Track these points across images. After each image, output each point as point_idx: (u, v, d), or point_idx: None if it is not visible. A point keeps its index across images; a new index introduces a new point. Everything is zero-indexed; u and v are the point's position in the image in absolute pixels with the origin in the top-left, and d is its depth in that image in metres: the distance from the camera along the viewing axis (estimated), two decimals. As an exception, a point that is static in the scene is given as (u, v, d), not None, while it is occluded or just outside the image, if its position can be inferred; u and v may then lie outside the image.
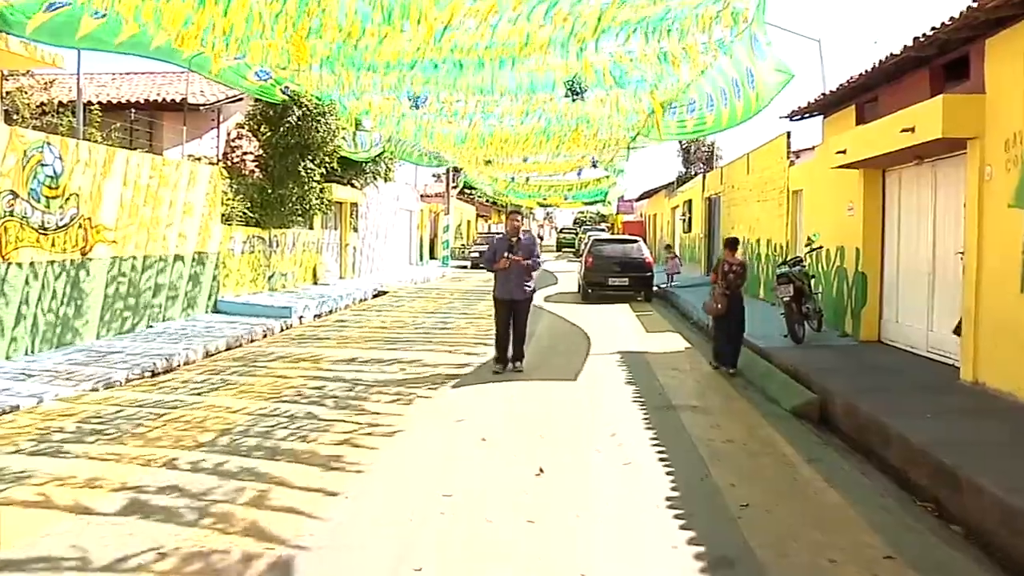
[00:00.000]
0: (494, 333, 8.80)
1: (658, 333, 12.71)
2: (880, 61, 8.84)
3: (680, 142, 35.92)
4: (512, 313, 8.67)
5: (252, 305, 13.64)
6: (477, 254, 29.75)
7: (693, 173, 35.60)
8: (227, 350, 10.43)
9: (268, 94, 14.38)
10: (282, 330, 12.54)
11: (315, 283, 18.85)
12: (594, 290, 18.44)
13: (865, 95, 10.34)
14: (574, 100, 10.68)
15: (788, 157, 14.76)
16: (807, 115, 12.34)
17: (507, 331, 8.68)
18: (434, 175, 50.25)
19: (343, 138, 16.49)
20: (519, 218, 8.79)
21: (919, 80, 8.80)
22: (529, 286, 8.70)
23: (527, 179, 33.32)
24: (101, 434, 6.06)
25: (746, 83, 9.31)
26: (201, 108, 16.23)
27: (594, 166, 26.33)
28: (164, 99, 16.43)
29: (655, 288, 19.26)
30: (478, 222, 53.75)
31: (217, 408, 7.00)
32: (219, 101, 16.57)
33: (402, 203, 29.35)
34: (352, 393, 7.68)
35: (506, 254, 8.53)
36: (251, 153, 16.83)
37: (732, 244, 9.35)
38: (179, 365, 9.12)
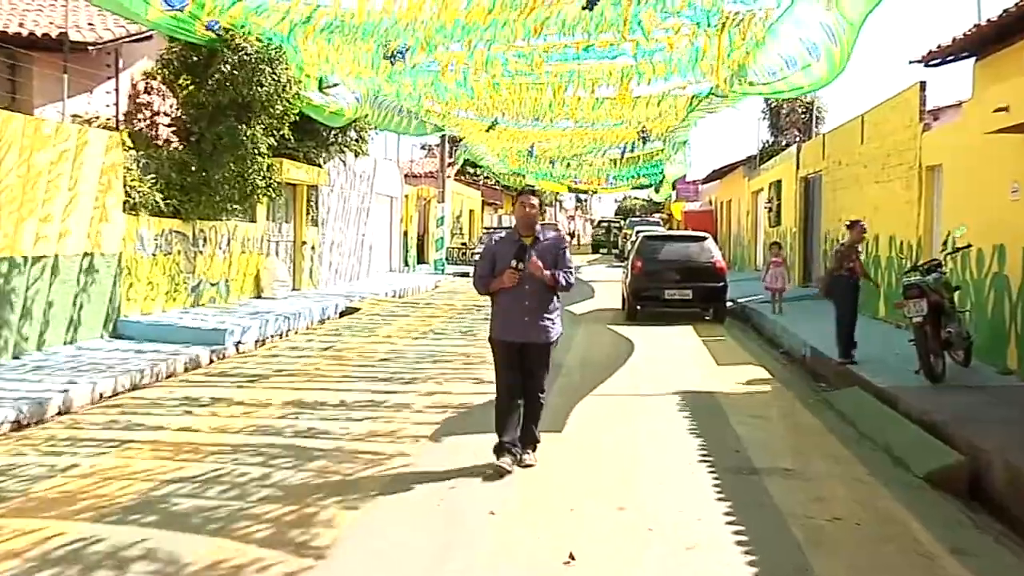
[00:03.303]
0: (495, 400, 7.25)
1: (733, 366, 12.64)
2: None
3: (767, 100, 35.75)
4: (523, 368, 7.08)
5: (169, 327, 13.60)
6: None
7: (784, 144, 35.38)
8: (131, 390, 10.35)
9: (185, 31, 14.30)
10: (211, 361, 12.54)
11: (259, 296, 18.86)
12: (644, 305, 18.43)
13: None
14: (590, 8, 10.64)
15: (922, 118, 14.62)
16: (951, 58, 12.10)
17: (514, 398, 7.05)
18: (423, 147, 50.38)
19: (297, 95, 16.41)
20: (534, 202, 7.11)
21: None
22: (552, 321, 7.09)
23: (552, 161, 33.27)
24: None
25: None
26: (90, 48, 16.00)
27: (644, 140, 26.27)
28: (32, 33, 15.80)
29: (729, 303, 19.05)
30: (484, 212, 53.85)
31: (109, 472, 6.93)
32: (117, 39, 16.21)
33: (380, 186, 29.39)
34: (306, 449, 7.64)
35: (513, 263, 6.87)
36: (166, 114, 16.80)
37: (852, 226, 11.94)
38: (56, 415, 9.01)
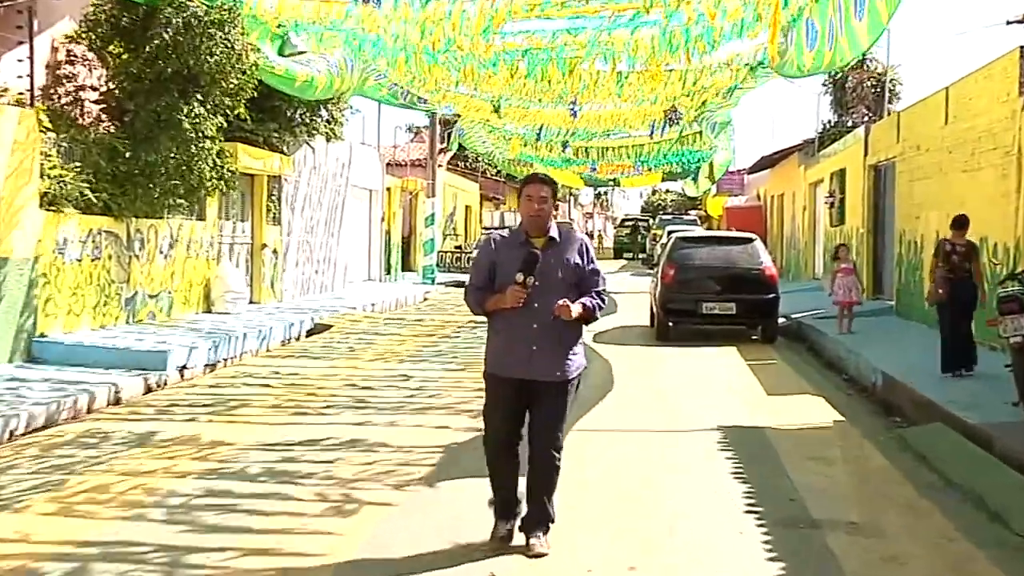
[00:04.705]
0: (485, 452, 6.65)
1: (786, 397, 12.65)
2: None
3: (830, 72, 35.61)
4: (529, 415, 6.47)
5: (97, 348, 13.56)
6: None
7: (849, 124, 35.34)
8: (46, 427, 10.27)
9: None
10: (149, 390, 12.51)
11: (209, 311, 18.86)
12: (678, 322, 18.49)
13: None
14: None
15: (1022, 92, 14.53)
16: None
17: (512, 455, 6.49)
18: (409, 129, 50.44)
19: (255, 64, 16.34)
20: (545, 193, 6.39)
21: None
22: (574, 351, 6.48)
23: (565, 145, 33.22)
24: None
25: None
26: (-2, 6, 15.98)
27: (672, 122, 26.24)
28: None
29: (781, 319, 18.98)
30: (483, 209, 53.90)
31: (19, 533, 6.88)
32: (32, -7, 16.19)
33: (357, 177, 29.40)
34: (264, 498, 7.60)
35: (519, 277, 6.19)
36: (94, 88, 16.75)
37: (959, 223, 12.96)
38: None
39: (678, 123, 26.42)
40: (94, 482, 8.03)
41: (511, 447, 6.47)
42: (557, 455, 6.38)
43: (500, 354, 6.43)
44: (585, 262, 6.42)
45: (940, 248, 13.04)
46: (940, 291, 12.64)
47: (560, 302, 6.17)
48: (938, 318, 13.00)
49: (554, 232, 6.38)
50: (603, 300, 6.48)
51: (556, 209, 6.56)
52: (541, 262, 6.19)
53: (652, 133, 29.53)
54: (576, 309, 6.23)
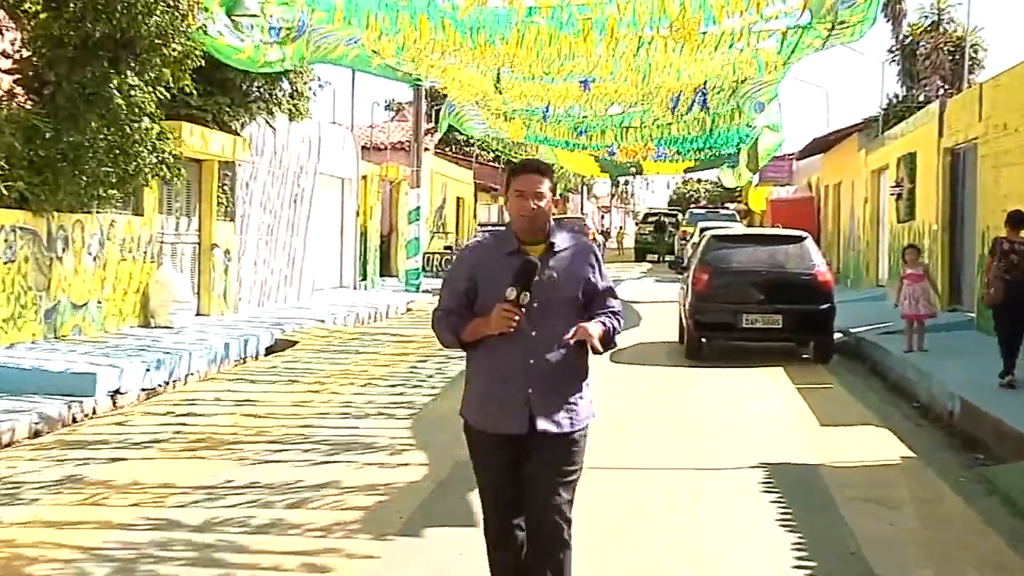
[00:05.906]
0: (485, 540, 5.92)
1: (845, 428, 12.68)
2: None
3: (898, 36, 35.58)
4: (527, 480, 5.69)
5: (10, 370, 13.55)
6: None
7: (921, 99, 35.28)
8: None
9: None
10: (73, 420, 12.49)
11: (148, 324, 18.92)
12: (712, 337, 18.61)
13: None
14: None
15: None
16: None
17: (510, 531, 5.81)
18: (388, 106, 50.41)
19: (203, 28, 16.32)
20: (542, 188, 5.71)
21: None
22: (582, 395, 5.81)
23: (579, 130, 33.24)
24: None
25: None
26: None
27: (701, 103, 26.32)
28: None
29: (838, 335, 18.95)
30: (478, 201, 53.89)
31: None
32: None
33: (326, 163, 29.43)
34: (220, 550, 7.55)
35: (511, 292, 5.46)
36: (6, 55, 16.77)
37: (1015, 220, 13.76)
38: None
39: (704, 106, 26.47)
40: (3, 535, 7.96)
41: (509, 530, 5.80)
42: (566, 527, 5.62)
43: (484, 401, 5.75)
44: (597, 277, 5.82)
45: (996, 247, 13.92)
46: (991, 290, 13.68)
47: (577, 326, 5.51)
48: (995, 322, 14.13)
49: (556, 237, 5.77)
50: (620, 323, 5.80)
51: (556, 205, 6.03)
52: (539, 275, 5.50)
53: (674, 109, 29.55)
54: (596, 329, 5.54)
